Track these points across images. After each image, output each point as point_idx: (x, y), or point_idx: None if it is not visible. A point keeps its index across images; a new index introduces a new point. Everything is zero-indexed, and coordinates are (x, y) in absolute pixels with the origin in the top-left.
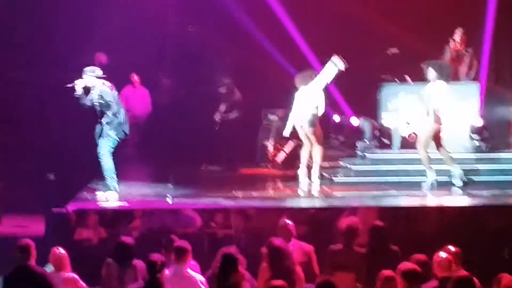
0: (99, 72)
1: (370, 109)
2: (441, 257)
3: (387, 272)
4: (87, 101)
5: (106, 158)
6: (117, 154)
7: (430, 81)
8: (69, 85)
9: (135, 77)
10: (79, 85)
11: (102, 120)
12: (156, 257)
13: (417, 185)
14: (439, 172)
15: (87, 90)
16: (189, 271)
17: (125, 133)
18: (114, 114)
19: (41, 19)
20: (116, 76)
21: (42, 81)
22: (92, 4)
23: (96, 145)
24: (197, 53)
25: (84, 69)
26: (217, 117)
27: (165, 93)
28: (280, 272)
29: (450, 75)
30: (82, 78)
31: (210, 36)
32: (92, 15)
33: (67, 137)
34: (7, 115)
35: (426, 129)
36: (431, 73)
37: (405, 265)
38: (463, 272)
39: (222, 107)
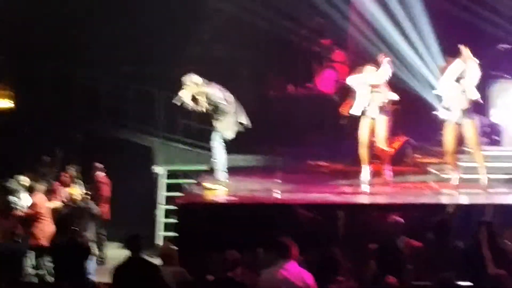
0: (199, 78)
1: (480, 105)
2: None
3: None
4: (198, 108)
5: (217, 150)
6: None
7: None
8: (176, 101)
9: None
10: (185, 98)
11: (216, 117)
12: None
13: None
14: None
15: (194, 98)
16: (290, 269)
17: (242, 124)
18: (226, 111)
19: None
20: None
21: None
22: None
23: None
24: (308, 49)
25: (182, 79)
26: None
27: (275, 87)
28: (390, 269)
29: None
30: (183, 89)
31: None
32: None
33: None
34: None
35: None
36: None
37: None
38: None
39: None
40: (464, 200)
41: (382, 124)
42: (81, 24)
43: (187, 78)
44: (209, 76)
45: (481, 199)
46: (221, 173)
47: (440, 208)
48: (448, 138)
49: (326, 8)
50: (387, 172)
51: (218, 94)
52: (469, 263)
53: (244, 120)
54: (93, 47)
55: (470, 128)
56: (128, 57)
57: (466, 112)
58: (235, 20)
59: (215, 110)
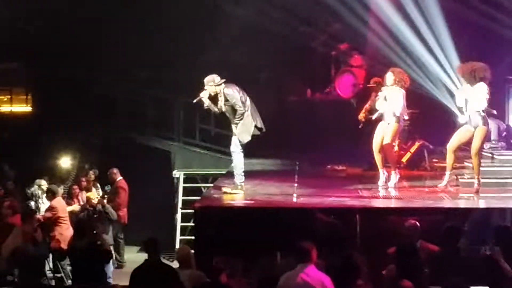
0: (217, 78)
1: (497, 110)
2: None
3: None
4: (216, 109)
5: (236, 155)
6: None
7: None
8: (195, 100)
9: None
10: (204, 98)
11: (233, 120)
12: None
13: None
14: None
15: (213, 99)
16: (310, 273)
17: (258, 128)
18: (242, 114)
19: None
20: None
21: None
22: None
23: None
24: (326, 54)
25: (204, 80)
26: (362, 116)
27: (294, 91)
28: (408, 273)
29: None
30: (205, 90)
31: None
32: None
33: None
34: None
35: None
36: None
37: None
38: None
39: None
40: (481, 204)
41: (392, 130)
42: (99, 30)
43: (209, 79)
44: (227, 81)
45: (498, 203)
46: (240, 176)
47: (457, 212)
48: (455, 138)
49: (344, 13)
50: (396, 175)
51: (236, 95)
52: (486, 267)
53: (259, 124)
54: (111, 53)
55: (479, 134)
56: (146, 62)
57: (482, 119)
58: (253, 25)
59: (231, 111)
